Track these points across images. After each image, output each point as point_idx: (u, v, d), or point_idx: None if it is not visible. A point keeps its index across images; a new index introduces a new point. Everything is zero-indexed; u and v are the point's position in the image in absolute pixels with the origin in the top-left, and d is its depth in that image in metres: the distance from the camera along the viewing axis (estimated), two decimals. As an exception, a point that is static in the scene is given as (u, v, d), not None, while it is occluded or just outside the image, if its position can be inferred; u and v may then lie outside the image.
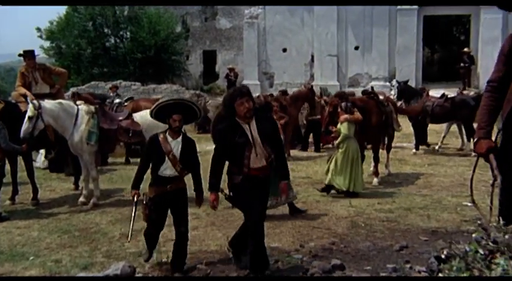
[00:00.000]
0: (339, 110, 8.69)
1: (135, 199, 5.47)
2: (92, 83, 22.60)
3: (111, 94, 15.59)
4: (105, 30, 26.37)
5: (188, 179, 5.53)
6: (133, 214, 5.46)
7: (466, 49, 22.34)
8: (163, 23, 25.16)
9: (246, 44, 25.01)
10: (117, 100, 14.13)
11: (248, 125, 4.99)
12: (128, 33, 26.16)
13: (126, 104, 13.69)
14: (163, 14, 25.62)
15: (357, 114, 8.64)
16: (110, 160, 12.64)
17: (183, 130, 5.62)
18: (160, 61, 24.95)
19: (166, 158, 5.34)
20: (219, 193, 5.19)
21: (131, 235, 5.45)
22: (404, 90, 13.69)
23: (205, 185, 5.38)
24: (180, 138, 5.45)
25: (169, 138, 5.40)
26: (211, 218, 7.16)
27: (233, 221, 6.92)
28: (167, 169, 5.37)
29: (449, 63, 26.57)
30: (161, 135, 5.43)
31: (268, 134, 5.09)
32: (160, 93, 20.75)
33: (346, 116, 8.55)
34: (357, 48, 23.46)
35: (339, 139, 8.54)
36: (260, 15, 24.60)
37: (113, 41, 26.70)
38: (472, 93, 14.78)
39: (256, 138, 4.99)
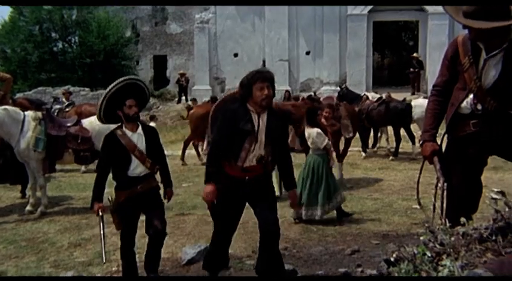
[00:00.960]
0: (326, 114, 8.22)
1: (100, 213, 4.69)
2: (39, 88, 22.12)
3: (64, 100, 15.14)
4: (53, 34, 25.90)
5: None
6: (101, 232, 4.73)
7: (415, 54, 22.96)
8: (113, 28, 24.89)
9: (197, 49, 24.91)
10: (57, 106, 13.74)
11: (258, 115, 4.33)
12: (76, 37, 25.78)
13: (67, 109, 13.38)
14: (113, 19, 25.35)
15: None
16: (58, 167, 12.31)
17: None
18: (110, 66, 24.56)
19: (132, 156, 4.68)
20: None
21: (105, 257, 4.76)
22: (345, 95, 14.06)
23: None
24: (140, 130, 4.79)
25: (129, 133, 4.72)
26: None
27: (184, 228, 6.84)
28: (136, 168, 4.72)
29: (399, 68, 27.20)
30: (118, 132, 4.71)
31: (276, 133, 4.41)
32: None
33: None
34: (308, 53, 23.67)
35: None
36: (211, 20, 24.55)
37: (60, 45, 26.27)
38: (421, 97, 15.14)
39: (262, 133, 4.33)
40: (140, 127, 4.83)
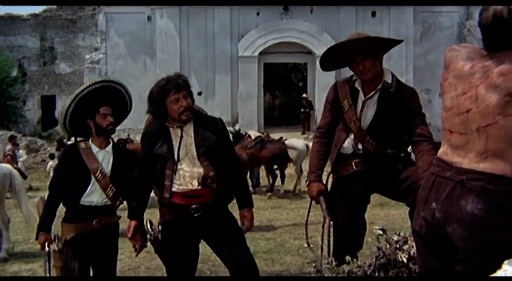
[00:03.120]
0: None
1: (47, 247, 3.79)
2: None
3: None
4: None
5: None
6: (47, 269, 3.88)
7: (304, 95, 23.71)
8: (-2, 67, 23.79)
9: (88, 89, 24.21)
10: None
11: (181, 129, 3.53)
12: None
13: None
14: (-2, 57, 24.25)
15: None
16: None
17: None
18: (-5, 106, 23.35)
19: (93, 178, 3.75)
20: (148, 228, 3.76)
21: None
22: (234, 137, 14.39)
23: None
24: (110, 148, 3.90)
25: (95, 148, 3.83)
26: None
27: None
28: (93, 195, 3.77)
29: (289, 108, 27.94)
30: (82, 144, 3.83)
31: (210, 142, 3.54)
32: (-6, 140, 19.39)
33: None
34: (200, 93, 23.73)
35: None
36: (102, 60, 24.10)
37: None
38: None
39: (190, 148, 3.51)
40: (111, 145, 3.93)
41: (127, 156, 4.08)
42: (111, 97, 3.92)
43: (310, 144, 13.38)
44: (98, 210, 3.79)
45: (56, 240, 3.87)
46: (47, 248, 3.81)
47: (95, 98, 3.81)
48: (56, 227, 4.03)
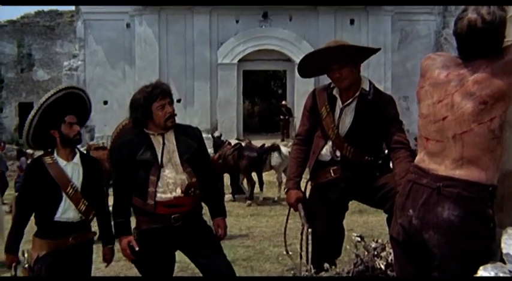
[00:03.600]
0: None
1: (13, 271, 3.57)
2: None
3: None
4: None
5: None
6: None
7: (284, 102, 23.76)
8: (-27, 74, 23.46)
9: (66, 96, 24.00)
10: None
11: (162, 137, 3.54)
12: None
13: None
14: (-27, 64, 23.92)
15: None
16: None
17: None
18: (-29, 114, 22.99)
19: (64, 194, 3.52)
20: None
21: None
22: (215, 144, 14.48)
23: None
24: (77, 159, 3.65)
25: (62, 162, 3.56)
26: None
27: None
28: (69, 211, 3.54)
29: (269, 115, 27.98)
30: (47, 159, 3.54)
31: (193, 151, 3.58)
32: (-32, 149, 19.03)
33: None
34: (179, 101, 23.64)
35: None
36: (80, 67, 23.89)
37: None
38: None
39: (173, 155, 3.52)
40: (78, 155, 3.67)
41: (95, 165, 3.88)
42: (74, 105, 3.70)
43: None
44: (74, 226, 3.58)
45: (25, 256, 3.62)
46: (13, 272, 3.61)
47: (59, 107, 3.57)
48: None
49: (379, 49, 3.93)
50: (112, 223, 3.73)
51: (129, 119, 3.72)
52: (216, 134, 16.78)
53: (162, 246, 3.53)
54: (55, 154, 3.59)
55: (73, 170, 3.61)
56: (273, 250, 8.19)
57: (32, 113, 3.55)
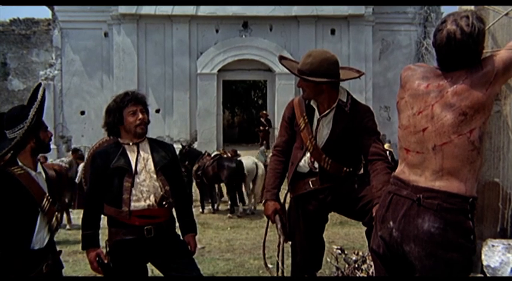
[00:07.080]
0: None
1: None
2: None
3: None
4: None
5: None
6: None
7: (264, 112, 23.74)
8: None
9: (42, 106, 23.70)
10: None
11: (137, 146, 3.58)
12: None
13: None
14: None
15: None
16: None
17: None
18: None
19: (39, 210, 2.99)
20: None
21: None
22: (188, 153, 14.17)
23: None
24: (39, 167, 3.18)
25: (31, 171, 3.06)
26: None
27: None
28: (43, 231, 3.03)
29: (248, 125, 27.99)
30: (16, 170, 2.96)
31: (167, 162, 3.64)
32: None
33: None
34: (158, 111, 23.52)
35: None
36: (56, 77, 23.62)
37: None
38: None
39: (147, 163, 3.55)
40: (39, 164, 3.20)
41: (50, 174, 3.53)
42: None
43: (260, 163, 13.39)
44: (45, 250, 3.03)
45: None
46: None
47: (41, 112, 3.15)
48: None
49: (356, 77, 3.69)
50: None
51: (104, 127, 3.73)
52: (184, 143, 16.41)
53: (134, 258, 3.51)
54: (19, 162, 3.03)
55: (41, 180, 3.14)
56: (253, 263, 8.12)
57: (27, 122, 3.07)
